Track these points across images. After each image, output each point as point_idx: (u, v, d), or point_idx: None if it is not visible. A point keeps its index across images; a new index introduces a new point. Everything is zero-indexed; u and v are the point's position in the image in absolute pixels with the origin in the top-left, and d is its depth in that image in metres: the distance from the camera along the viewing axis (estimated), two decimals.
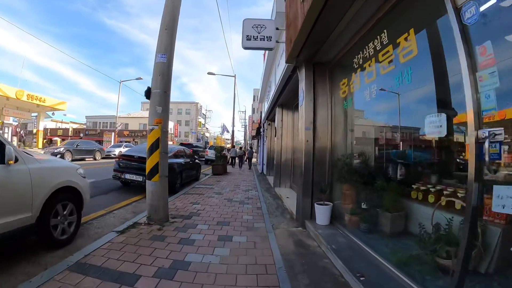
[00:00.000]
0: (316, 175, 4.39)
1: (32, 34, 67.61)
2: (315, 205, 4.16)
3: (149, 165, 4.37)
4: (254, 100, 51.14)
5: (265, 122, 13.26)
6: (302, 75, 4.56)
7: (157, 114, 4.42)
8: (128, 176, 7.59)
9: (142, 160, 6.85)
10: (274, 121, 12.44)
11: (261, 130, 14.57)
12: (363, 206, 3.59)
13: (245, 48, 5.22)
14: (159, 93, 4.45)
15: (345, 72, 3.97)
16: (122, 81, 29.34)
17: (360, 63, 3.45)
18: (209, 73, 23.28)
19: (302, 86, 4.57)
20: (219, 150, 13.17)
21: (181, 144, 25.53)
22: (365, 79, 3.40)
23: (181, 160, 8.69)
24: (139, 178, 7.40)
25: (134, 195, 6.90)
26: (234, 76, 23.49)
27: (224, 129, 28.89)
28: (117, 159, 8.23)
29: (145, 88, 4.57)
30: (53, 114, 34.66)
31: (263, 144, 14.43)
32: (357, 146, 4.20)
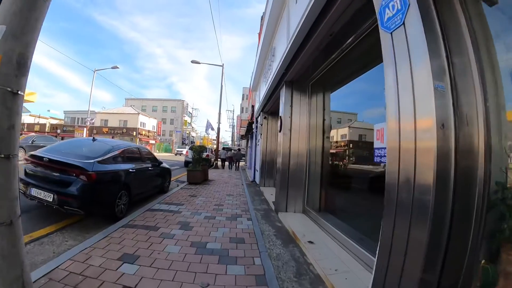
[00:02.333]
0: None
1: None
2: None
3: None
4: (243, 99, 48.21)
5: (259, 115, 10.14)
6: None
7: None
8: (34, 192, 4.40)
9: (56, 165, 4.37)
10: (271, 115, 9.36)
11: (254, 126, 11.43)
12: None
13: None
14: None
15: None
16: (97, 70, 25.68)
17: None
18: (193, 61, 20.03)
19: None
20: (197, 150, 9.92)
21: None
22: None
23: (128, 166, 5.47)
24: (49, 197, 4.27)
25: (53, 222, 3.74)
26: (222, 66, 20.31)
27: (208, 126, 25.47)
28: (25, 163, 4.97)
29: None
30: None
31: (255, 144, 11.30)
32: None
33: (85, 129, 31.03)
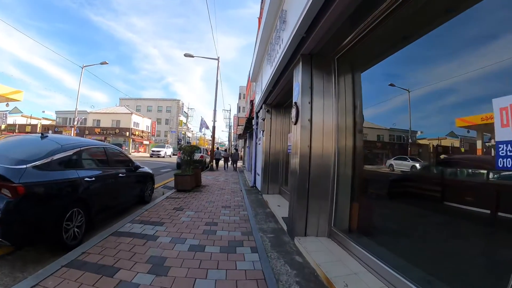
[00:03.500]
0: None
1: (17, 28, 59.22)
2: None
3: None
4: (240, 98, 46.67)
5: (260, 109, 8.61)
6: None
7: None
8: None
9: None
10: (276, 108, 7.85)
11: (253, 123, 9.89)
12: None
13: None
14: None
15: None
16: (85, 66, 24.07)
17: None
18: (187, 55, 18.43)
19: None
20: (187, 151, 8.34)
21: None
22: None
23: (85, 174, 3.93)
24: None
25: None
26: (218, 59, 18.75)
27: (202, 125, 23.86)
28: None
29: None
30: (6, 105, 28.89)
31: (255, 143, 9.77)
32: None
33: (72, 129, 29.30)
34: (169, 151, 36.15)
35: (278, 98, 7.07)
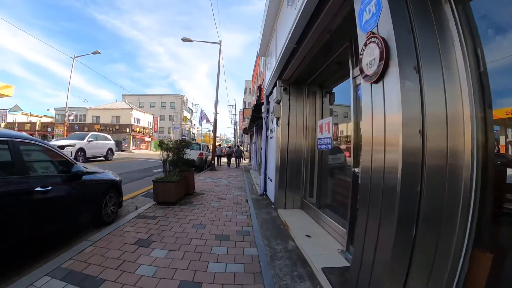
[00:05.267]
0: None
1: (21, 28, 57.34)
2: None
3: None
4: (245, 93, 44.42)
5: (272, 90, 6.32)
6: None
7: None
8: None
9: None
10: (296, 85, 5.57)
11: (263, 109, 7.53)
12: None
13: None
14: None
15: None
16: (76, 57, 22.08)
17: None
18: (184, 39, 16.19)
19: None
20: (174, 148, 6.05)
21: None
22: None
23: None
24: None
25: None
26: (220, 43, 16.45)
27: (203, 117, 21.57)
28: None
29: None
30: None
31: (266, 137, 7.43)
32: None
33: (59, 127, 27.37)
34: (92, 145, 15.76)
35: (302, 68, 4.74)
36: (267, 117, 7.15)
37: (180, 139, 8.61)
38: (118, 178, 4.92)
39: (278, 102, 5.60)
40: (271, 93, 6.71)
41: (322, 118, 5.36)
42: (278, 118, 5.61)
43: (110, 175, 4.68)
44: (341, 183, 4.04)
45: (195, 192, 7.04)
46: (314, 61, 4.35)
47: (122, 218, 4.53)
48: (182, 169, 6.19)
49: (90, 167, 4.63)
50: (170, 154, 5.99)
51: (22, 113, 46.84)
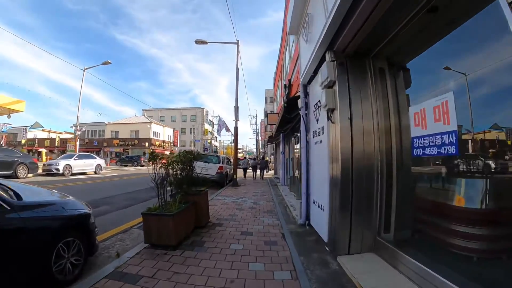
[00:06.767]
0: None
1: (45, 49, 61.32)
2: None
3: None
4: (266, 102, 42.83)
5: (313, 75, 4.29)
6: None
7: None
8: None
9: None
10: (364, 55, 3.54)
11: (301, 104, 5.36)
12: None
13: None
14: None
15: None
16: (86, 68, 21.56)
17: None
18: (198, 41, 14.76)
19: None
20: (177, 162, 4.14)
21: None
22: None
23: None
24: None
25: None
26: (237, 43, 14.83)
27: (222, 126, 19.81)
28: None
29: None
30: (8, 117, 27.60)
31: (306, 143, 5.23)
32: None
33: (71, 142, 26.87)
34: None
35: (367, 29, 2.71)
36: (306, 114, 5.10)
37: (198, 151, 6.75)
38: (87, 210, 3.07)
39: (330, 86, 3.56)
40: (312, 79, 4.69)
41: (395, 108, 3.32)
42: (331, 111, 3.55)
43: (75, 205, 2.89)
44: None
45: (209, 222, 5.04)
46: (391, 11, 2.34)
47: (89, 277, 2.66)
48: (189, 192, 4.26)
49: (48, 193, 2.87)
50: (171, 171, 4.08)
51: (42, 130, 48.01)
